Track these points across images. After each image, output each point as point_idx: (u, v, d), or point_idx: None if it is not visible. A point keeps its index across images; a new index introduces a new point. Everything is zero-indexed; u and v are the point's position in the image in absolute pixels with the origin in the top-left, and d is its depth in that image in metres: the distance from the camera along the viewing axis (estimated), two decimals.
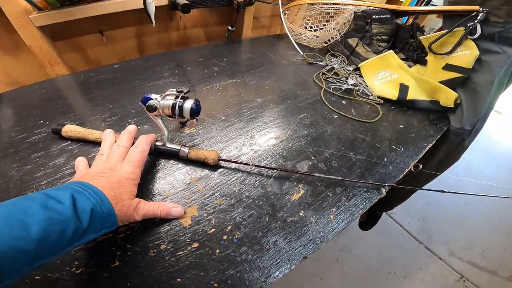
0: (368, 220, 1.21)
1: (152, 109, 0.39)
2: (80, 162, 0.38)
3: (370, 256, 1.24)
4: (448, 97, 0.64)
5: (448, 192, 0.54)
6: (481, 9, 0.59)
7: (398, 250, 1.27)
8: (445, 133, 0.66)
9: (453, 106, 0.64)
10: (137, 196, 0.34)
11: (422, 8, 0.75)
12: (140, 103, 0.39)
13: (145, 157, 0.37)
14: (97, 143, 0.44)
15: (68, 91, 0.57)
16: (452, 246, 1.32)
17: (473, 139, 0.71)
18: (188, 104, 0.39)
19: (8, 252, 0.20)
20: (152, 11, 0.56)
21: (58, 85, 0.58)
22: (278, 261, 0.35)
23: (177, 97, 0.38)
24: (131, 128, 0.40)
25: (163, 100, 0.39)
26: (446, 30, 0.64)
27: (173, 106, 0.38)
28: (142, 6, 0.57)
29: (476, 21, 0.59)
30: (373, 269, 1.19)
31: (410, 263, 1.24)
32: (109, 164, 0.33)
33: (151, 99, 0.39)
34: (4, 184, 0.39)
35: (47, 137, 0.46)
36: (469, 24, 0.60)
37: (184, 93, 0.39)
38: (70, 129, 0.43)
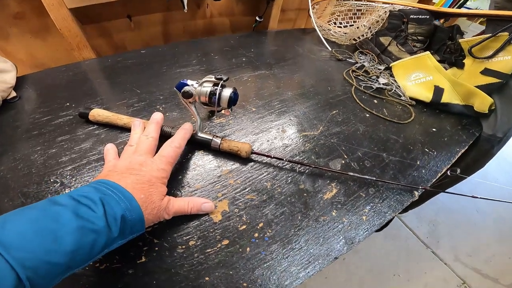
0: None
1: (188, 95, 0.35)
2: (109, 150, 0.35)
3: (376, 257, 1.21)
4: (483, 102, 0.59)
5: (480, 198, 0.50)
6: None
7: (405, 253, 1.24)
8: (476, 139, 0.62)
9: (487, 112, 0.60)
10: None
11: (465, 11, 0.70)
12: (175, 88, 0.36)
13: (179, 153, 0.34)
14: (125, 129, 0.41)
15: (95, 74, 0.54)
16: (458, 252, 1.28)
17: (501, 147, 0.66)
18: (227, 92, 0.35)
19: (41, 267, 0.18)
20: None
21: (85, 69, 0.55)
22: (309, 261, 0.32)
23: (215, 85, 0.35)
24: (158, 116, 0.37)
25: (200, 86, 0.35)
26: (490, 34, 0.59)
27: (212, 93, 0.35)
28: None
29: None
30: (378, 270, 1.16)
31: (415, 266, 1.20)
32: (139, 158, 0.30)
33: (187, 85, 0.35)
34: (27, 168, 0.36)
35: (73, 120, 0.43)
36: None
37: (224, 81, 0.35)
38: (98, 113, 0.40)
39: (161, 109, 0.47)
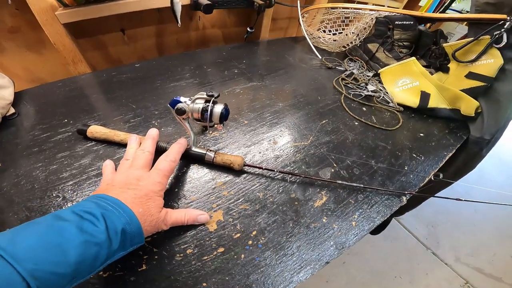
0: (378, 225, 1.20)
1: (181, 112, 0.38)
2: (107, 166, 0.37)
3: (377, 260, 1.23)
4: (469, 105, 0.62)
5: (464, 200, 0.53)
6: (508, 18, 0.57)
7: (405, 255, 1.27)
8: (464, 142, 0.65)
9: (473, 115, 0.63)
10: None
11: (447, 15, 0.74)
12: (168, 105, 0.39)
13: (175, 167, 0.36)
14: (122, 145, 0.44)
15: (91, 89, 0.57)
16: (459, 252, 1.31)
17: (490, 149, 0.70)
18: (218, 108, 0.38)
19: (49, 277, 0.20)
20: (178, 10, 0.56)
21: (81, 84, 0.58)
22: (301, 265, 0.34)
23: (207, 101, 0.38)
24: (154, 132, 0.39)
25: (193, 103, 0.38)
26: (472, 38, 0.62)
27: (203, 110, 0.38)
28: (165, 5, 0.56)
29: (502, 29, 0.58)
30: (379, 273, 1.19)
31: (416, 268, 1.23)
32: (135, 172, 0.32)
33: (180, 102, 0.38)
34: (29, 184, 0.38)
35: (72, 136, 0.46)
36: (495, 33, 0.59)
37: (215, 98, 0.38)
38: (96, 130, 0.43)
39: (156, 124, 0.50)
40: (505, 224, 1.46)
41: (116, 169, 0.36)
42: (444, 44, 0.66)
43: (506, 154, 1.97)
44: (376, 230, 1.21)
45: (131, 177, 0.31)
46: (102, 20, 0.58)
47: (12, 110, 0.49)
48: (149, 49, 0.74)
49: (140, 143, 0.39)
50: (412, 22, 0.71)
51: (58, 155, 0.42)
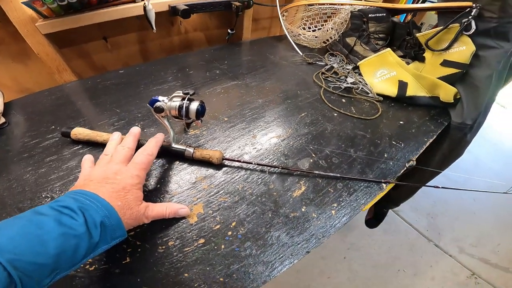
0: (375, 218, 1.22)
1: (159, 110, 0.41)
2: (86, 160, 0.38)
3: (378, 254, 1.25)
4: (447, 92, 0.65)
5: (442, 187, 0.55)
6: (474, 5, 0.60)
7: (407, 248, 1.29)
8: (446, 129, 0.68)
9: (453, 101, 0.66)
10: (145, 196, 0.36)
11: (415, 5, 0.78)
12: (148, 105, 0.42)
13: (152, 160, 0.38)
14: (105, 146, 0.47)
15: (76, 96, 0.60)
16: (462, 243, 1.33)
17: (475, 134, 0.72)
18: (194, 105, 0.41)
19: (29, 268, 0.22)
20: (152, 17, 0.59)
21: (67, 91, 0.61)
22: (282, 255, 0.36)
23: (183, 99, 0.41)
24: (135, 130, 0.41)
25: (170, 101, 0.41)
26: (441, 27, 0.65)
27: (180, 107, 0.41)
28: (141, 13, 0.60)
29: (470, 17, 0.61)
30: (382, 267, 1.21)
31: (420, 260, 1.25)
32: (114, 166, 0.33)
33: (159, 100, 0.41)
34: (20, 186, 0.41)
35: (59, 141, 0.49)
36: (463, 20, 0.62)
37: (190, 95, 0.41)
38: (79, 132, 0.47)
39: (139, 126, 0.52)
40: (506, 212, 1.48)
41: (95, 164, 0.37)
42: (417, 34, 0.70)
43: (502, 142, 2.00)
44: (374, 223, 1.23)
45: (109, 171, 0.32)
46: (84, 30, 0.62)
47: (3, 120, 0.52)
48: (133, 56, 0.78)
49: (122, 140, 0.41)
50: (384, 14, 0.75)
51: (46, 159, 0.46)
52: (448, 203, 1.50)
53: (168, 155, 0.47)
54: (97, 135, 0.47)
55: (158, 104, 0.42)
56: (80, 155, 0.47)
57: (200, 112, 0.43)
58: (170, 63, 0.72)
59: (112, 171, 0.33)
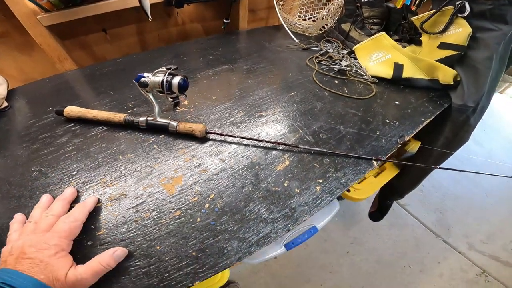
0: (379, 210, 1.17)
1: (144, 85, 0.42)
2: (14, 223, 0.35)
3: (383, 249, 1.19)
4: (446, 74, 0.62)
5: (440, 168, 0.52)
6: None
7: (413, 243, 1.22)
8: (447, 111, 0.64)
9: (452, 83, 0.63)
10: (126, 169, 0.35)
11: None
12: (133, 81, 0.42)
13: (78, 227, 0.33)
14: (96, 122, 0.48)
15: (75, 83, 0.62)
16: (472, 239, 1.24)
17: (479, 118, 0.69)
18: (176, 80, 0.41)
19: None
20: (147, 6, 0.60)
21: (67, 79, 0.63)
22: (260, 232, 0.34)
23: (165, 73, 0.41)
24: (67, 193, 0.37)
25: (154, 76, 0.42)
26: (435, 10, 0.63)
27: (162, 81, 0.41)
28: (137, 4, 0.61)
29: None
30: (386, 262, 1.15)
31: (427, 257, 1.18)
32: (31, 238, 0.31)
33: (144, 76, 0.42)
34: (13, 161, 0.43)
35: (54, 120, 0.50)
36: (457, 3, 0.60)
37: (173, 69, 0.41)
38: (71, 109, 0.47)
39: (130, 105, 0.53)
40: None
41: (25, 223, 0.35)
42: (412, 18, 0.68)
43: None
44: (378, 216, 1.18)
45: (26, 244, 0.30)
46: (84, 22, 0.63)
47: (5, 104, 0.54)
48: (133, 46, 0.79)
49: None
50: None
51: (40, 136, 0.47)
52: (459, 198, 1.41)
53: (153, 129, 0.46)
54: (87, 112, 0.47)
55: (143, 79, 0.42)
56: (71, 131, 0.47)
57: (182, 86, 0.42)
58: (166, 51, 0.73)
59: (28, 244, 0.30)
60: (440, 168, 0.52)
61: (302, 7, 0.84)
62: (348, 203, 1.29)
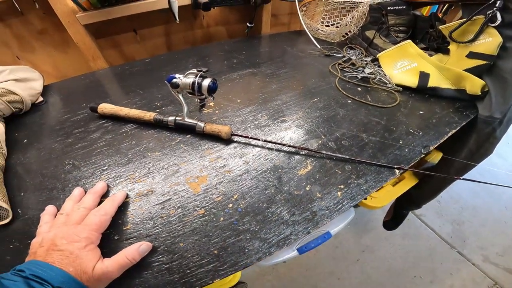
0: (393, 219, 1.14)
1: (175, 86, 0.43)
2: (45, 214, 0.35)
3: (395, 258, 1.16)
4: (474, 84, 0.60)
5: (463, 179, 0.50)
6: None
7: (426, 254, 1.18)
8: (473, 122, 0.62)
9: (480, 93, 0.60)
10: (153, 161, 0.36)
11: None
12: (166, 81, 0.43)
13: (107, 220, 0.33)
14: (126, 120, 0.50)
15: (106, 81, 0.64)
16: (487, 252, 1.19)
17: (505, 130, 0.65)
18: (206, 82, 0.42)
19: None
20: (175, 8, 0.61)
21: (99, 76, 0.65)
22: (281, 233, 0.34)
23: (196, 76, 0.42)
24: (99, 186, 0.38)
25: (185, 78, 0.43)
26: (465, 19, 0.61)
27: (193, 83, 0.42)
28: (167, 6, 0.62)
29: (494, 8, 0.57)
30: (397, 272, 1.12)
31: (439, 267, 1.14)
32: (63, 230, 0.31)
33: (175, 77, 0.43)
34: (48, 154, 0.44)
35: (87, 117, 0.52)
36: (488, 12, 0.58)
37: (204, 72, 0.42)
38: (105, 107, 0.49)
39: (158, 104, 0.54)
40: None
41: (56, 215, 0.35)
42: (440, 26, 0.66)
43: None
44: (392, 225, 1.15)
45: (58, 236, 0.30)
46: (116, 22, 0.66)
47: (41, 99, 0.57)
48: (159, 47, 0.81)
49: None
50: (404, 7, 0.72)
51: (74, 131, 0.49)
52: (477, 210, 1.36)
53: (181, 129, 0.47)
54: (119, 110, 0.49)
55: (174, 80, 0.43)
56: (104, 128, 0.49)
57: (212, 88, 0.43)
58: (191, 53, 0.74)
59: (60, 236, 0.30)
60: (463, 179, 0.51)
61: (325, 14, 0.83)
62: (362, 210, 1.27)
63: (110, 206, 0.35)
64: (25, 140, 0.47)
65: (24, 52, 0.67)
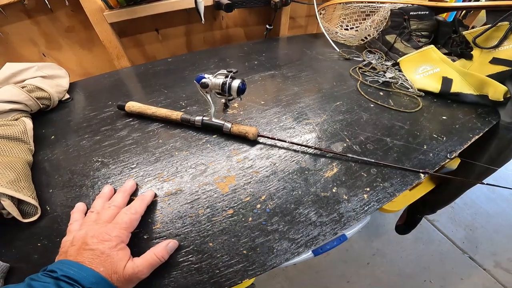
0: (406, 224, 1.13)
1: (205, 86, 0.43)
2: (75, 212, 0.35)
3: (405, 262, 1.15)
4: (496, 90, 0.59)
5: (487, 184, 0.50)
6: None
7: (438, 259, 1.16)
8: (495, 128, 0.61)
9: (502, 100, 0.59)
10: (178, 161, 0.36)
11: (461, 4, 0.72)
12: (194, 81, 0.44)
13: (137, 219, 0.33)
14: (153, 119, 0.50)
15: (130, 79, 0.65)
16: (499, 258, 1.17)
17: None
18: (236, 83, 0.42)
19: None
20: (201, 9, 0.61)
21: (123, 75, 0.66)
22: (309, 234, 0.34)
23: (226, 76, 0.42)
24: (128, 185, 0.38)
25: (215, 78, 0.43)
26: (490, 25, 0.61)
27: (223, 84, 0.42)
28: (191, 6, 0.63)
29: None
30: (407, 276, 1.10)
31: (450, 272, 1.12)
32: (94, 228, 0.31)
33: (204, 77, 0.43)
34: (76, 151, 0.45)
35: (114, 114, 0.53)
36: None
37: (234, 73, 0.42)
38: (132, 105, 0.50)
39: (183, 104, 0.55)
40: None
41: (86, 213, 0.35)
42: (464, 32, 0.65)
43: None
44: (405, 229, 1.13)
45: (89, 235, 0.30)
46: (140, 21, 0.66)
47: (67, 96, 0.58)
48: (180, 47, 0.82)
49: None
50: (427, 12, 0.71)
51: (102, 129, 0.49)
52: (491, 216, 1.33)
53: (208, 129, 0.48)
54: (147, 108, 0.49)
55: (204, 80, 0.43)
56: (130, 126, 0.49)
57: (241, 90, 0.43)
58: (212, 53, 0.75)
59: (91, 234, 0.30)
60: (487, 184, 0.50)
61: (344, 17, 0.82)
62: (374, 214, 1.25)
63: (140, 205, 0.35)
64: (53, 137, 0.48)
65: (50, 50, 0.68)
